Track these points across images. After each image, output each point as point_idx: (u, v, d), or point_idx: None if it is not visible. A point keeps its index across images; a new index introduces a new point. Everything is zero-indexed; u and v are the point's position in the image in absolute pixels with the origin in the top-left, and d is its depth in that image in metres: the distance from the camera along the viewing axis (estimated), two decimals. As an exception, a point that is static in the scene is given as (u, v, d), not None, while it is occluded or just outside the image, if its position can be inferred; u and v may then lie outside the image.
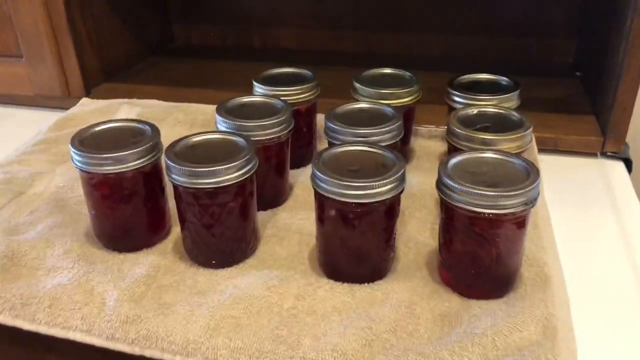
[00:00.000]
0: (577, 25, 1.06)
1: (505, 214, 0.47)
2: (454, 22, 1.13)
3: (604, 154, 0.80)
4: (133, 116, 0.86)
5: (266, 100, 0.67)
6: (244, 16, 1.23)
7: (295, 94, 0.71)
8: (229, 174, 0.52)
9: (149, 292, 0.53)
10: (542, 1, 1.07)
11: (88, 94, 0.99)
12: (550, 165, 0.77)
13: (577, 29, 1.07)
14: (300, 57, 1.16)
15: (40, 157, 0.77)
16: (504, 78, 0.73)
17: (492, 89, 0.71)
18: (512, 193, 0.47)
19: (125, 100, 0.93)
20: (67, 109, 0.93)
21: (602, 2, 0.92)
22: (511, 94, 0.69)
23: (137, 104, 0.91)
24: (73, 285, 0.53)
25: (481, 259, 0.50)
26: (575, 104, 0.90)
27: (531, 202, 0.47)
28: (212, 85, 1.02)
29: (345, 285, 0.53)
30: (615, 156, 0.80)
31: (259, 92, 0.72)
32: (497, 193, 0.46)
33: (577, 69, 1.04)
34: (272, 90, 0.71)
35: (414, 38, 1.16)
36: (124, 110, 0.89)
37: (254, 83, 0.73)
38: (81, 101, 0.94)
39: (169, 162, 0.53)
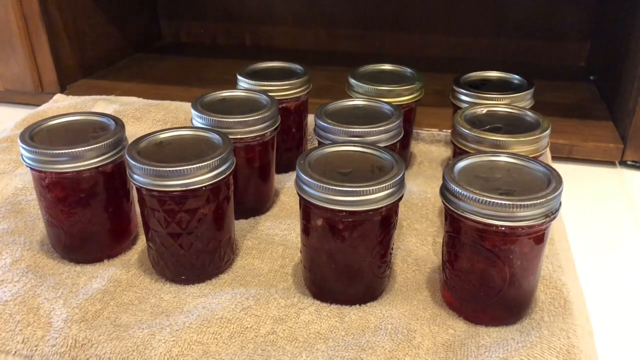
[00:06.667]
0: (590, 27, 1.02)
1: (521, 227, 0.42)
2: (459, 22, 1.08)
3: (623, 163, 0.77)
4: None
5: (250, 94, 0.61)
6: (235, 13, 1.19)
7: (284, 90, 0.65)
8: (199, 175, 0.46)
9: (104, 311, 0.48)
10: (553, 2, 1.02)
11: (63, 90, 0.95)
12: (564, 174, 0.71)
13: (590, 31, 1.02)
14: (294, 57, 1.08)
15: (0, 156, 0.70)
16: (516, 76, 0.67)
17: (502, 87, 0.65)
18: (531, 202, 0.41)
19: (102, 96, 0.88)
20: (39, 105, 0.87)
21: (618, 3, 0.86)
22: (524, 92, 0.62)
23: (114, 100, 0.86)
24: (16, 302, 0.48)
25: (492, 279, 0.45)
26: (591, 109, 0.86)
27: (552, 213, 0.43)
28: (198, 84, 0.98)
29: (333, 307, 0.48)
30: (636, 165, 0.76)
31: (244, 87, 0.65)
32: (512, 202, 0.41)
33: (590, 72, 1.00)
34: (258, 85, 0.64)
35: (416, 37, 1.11)
36: (99, 108, 0.84)
37: (238, 77, 0.67)
38: (54, 97, 0.89)
39: (130, 160, 0.47)
